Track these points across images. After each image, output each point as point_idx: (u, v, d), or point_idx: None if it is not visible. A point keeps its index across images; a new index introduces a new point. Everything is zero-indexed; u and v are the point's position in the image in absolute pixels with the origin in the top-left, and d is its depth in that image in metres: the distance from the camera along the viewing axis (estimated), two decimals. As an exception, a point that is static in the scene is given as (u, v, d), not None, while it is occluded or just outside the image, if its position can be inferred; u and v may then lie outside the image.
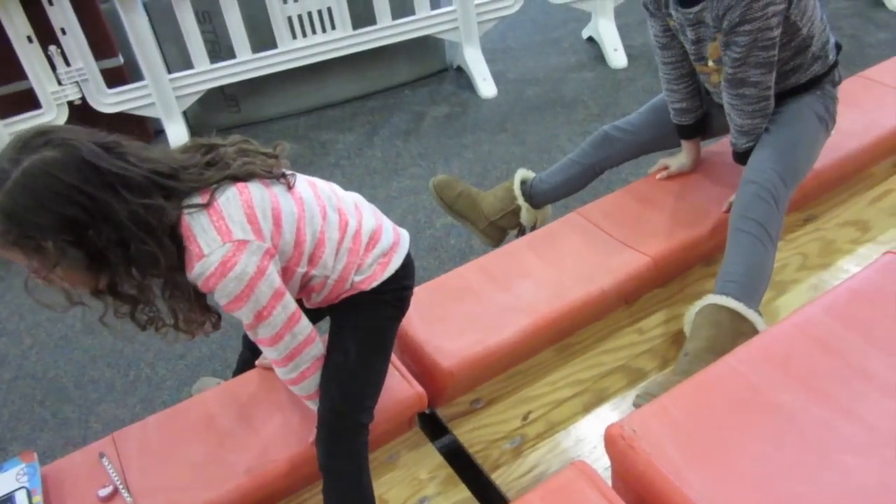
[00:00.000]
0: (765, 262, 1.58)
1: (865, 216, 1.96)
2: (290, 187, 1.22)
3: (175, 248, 1.09)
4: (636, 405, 1.46)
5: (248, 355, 1.61)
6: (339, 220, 1.27)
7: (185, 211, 1.09)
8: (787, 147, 1.68)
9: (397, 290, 1.36)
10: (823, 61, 1.72)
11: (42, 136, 1.02)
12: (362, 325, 1.33)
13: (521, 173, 2.11)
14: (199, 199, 1.10)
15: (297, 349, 1.24)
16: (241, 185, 1.15)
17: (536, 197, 2.07)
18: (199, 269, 1.09)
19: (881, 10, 3.72)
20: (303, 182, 1.27)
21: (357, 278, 1.29)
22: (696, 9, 1.61)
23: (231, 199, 1.12)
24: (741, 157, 1.75)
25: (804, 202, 2.00)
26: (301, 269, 1.23)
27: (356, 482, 1.29)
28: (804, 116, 1.72)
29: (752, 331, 1.50)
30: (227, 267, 1.09)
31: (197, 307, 1.16)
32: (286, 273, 1.21)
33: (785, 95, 1.73)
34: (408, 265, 1.37)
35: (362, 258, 1.29)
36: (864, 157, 2.05)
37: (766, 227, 1.58)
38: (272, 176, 1.20)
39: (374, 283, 1.31)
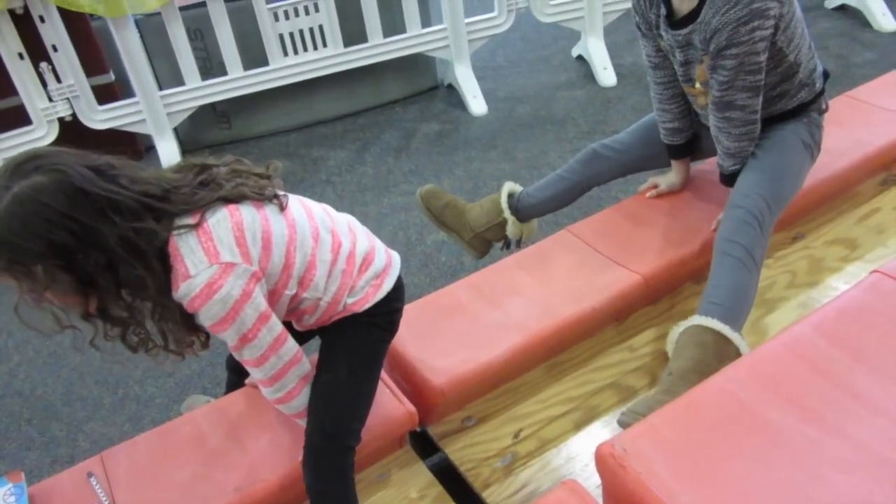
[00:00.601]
0: (749, 286, 1.60)
1: (853, 234, 1.98)
2: (282, 208, 1.22)
3: (163, 269, 1.10)
4: (621, 423, 1.46)
5: (235, 379, 1.61)
6: (333, 241, 1.27)
7: (175, 232, 1.09)
8: (773, 173, 1.70)
9: (388, 313, 1.36)
10: (810, 88, 1.74)
11: (33, 161, 1.02)
12: (353, 346, 1.33)
13: (509, 186, 2.11)
14: (190, 220, 1.10)
15: (282, 370, 1.24)
16: (232, 207, 1.15)
17: (523, 211, 2.08)
18: (185, 290, 1.09)
19: (867, 31, 3.78)
20: (296, 203, 1.27)
21: (350, 300, 1.29)
22: (684, 31, 1.63)
23: (221, 220, 1.12)
24: (728, 179, 1.77)
25: (792, 221, 2.01)
26: (289, 292, 1.23)
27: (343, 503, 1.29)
28: (790, 143, 1.74)
29: (735, 353, 1.51)
30: (213, 289, 1.09)
31: (184, 327, 1.16)
32: (273, 296, 1.21)
33: (772, 121, 1.75)
34: (399, 287, 1.38)
35: (355, 280, 1.30)
36: (852, 176, 2.08)
37: (751, 251, 1.59)
38: (264, 197, 1.20)
39: (367, 305, 1.31)
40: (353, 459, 1.31)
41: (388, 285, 1.34)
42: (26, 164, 1.02)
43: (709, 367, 1.46)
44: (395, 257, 1.41)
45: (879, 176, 2.17)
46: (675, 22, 1.65)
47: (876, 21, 3.78)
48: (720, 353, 1.49)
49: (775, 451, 1.14)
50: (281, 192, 1.23)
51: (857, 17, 3.85)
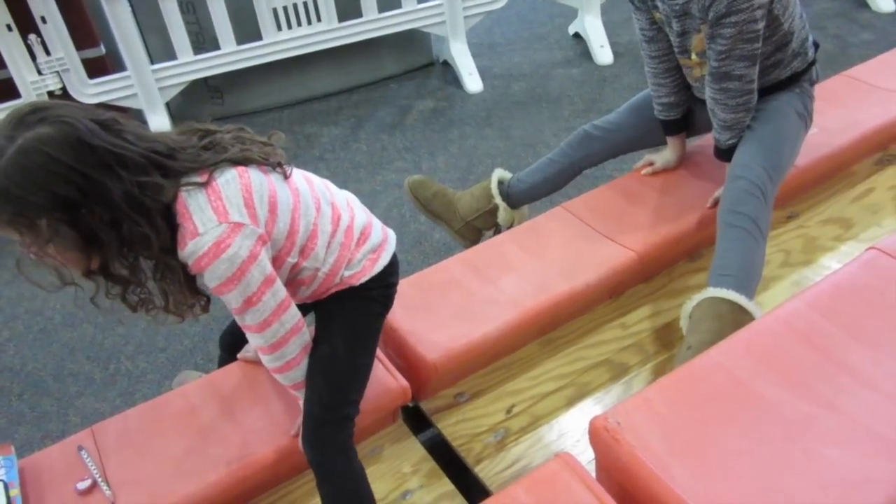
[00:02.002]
0: (756, 256, 1.59)
1: (847, 214, 1.98)
2: (286, 177, 1.22)
3: (168, 227, 1.09)
4: None
5: (227, 358, 1.59)
6: (333, 213, 1.27)
7: (183, 189, 1.08)
8: (771, 143, 1.69)
9: (384, 287, 1.36)
10: (803, 58, 1.74)
11: (38, 113, 1.00)
12: (350, 319, 1.33)
13: (499, 173, 2.10)
14: (198, 178, 1.10)
15: (284, 338, 1.23)
16: (241, 168, 1.14)
17: (514, 197, 2.06)
18: (192, 248, 1.08)
19: (865, 11, 3.76)
20: (298, 174, 1.27)
21: (347, 273, 1.29)
22: (682, 0, 1.61)
23: (231, 181, 1.12)
24: (725, 153, 1.76)
25: (787, 200, 2.01)
26: (292, 260, 1.22)
27: (348, 473, 1.28)
28: (786, 113, 1.74)
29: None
30: (221, 248, 1.08)
31: (187, 289, 1.15)
32: (276, 262, 1.20)
33: (766, 92, 1.74)
34: (394, 263, 1.38)
35: (353, 253, 1.30)
36: (847, 156, 2.07)
37: (756, 221, 1.59)
38: (269, 164, 1.19)
39: (364, 279, 1.30)
40: (353, 430, 1.30)
41: (384, 260, 1.34)
42: (31, 115, 1.00)
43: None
44: (391, 234, 1.41)
45: (875, 156, 2.17)
46: None
47: (874, 2, 3.76)
48: (737, 322, 1.47)
49: (768, 425, 1.14)
50: (284, 161, 1.23)
51: (855, -2, 3.84)
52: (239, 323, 1.22)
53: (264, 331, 1.20)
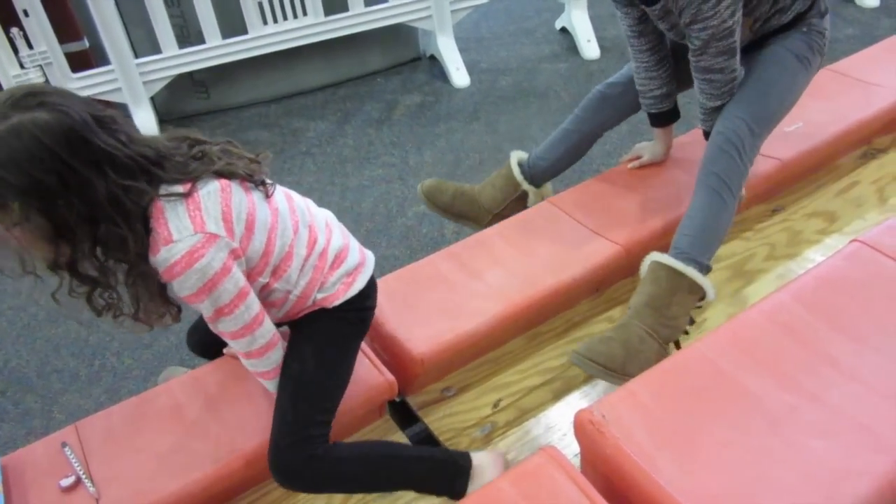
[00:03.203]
0: (721, 218, 1.61)
1: (832, 207, 1.99)
2: (267, 196, 1.21)
3: (145, 232, 1.07)
4: (572, 362, 1.51)
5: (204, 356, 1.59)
6: (309, 237, 1.27)
7: (163, 197, 1.07)
8: (758, 93, 1.68)
9: (359, 310, 1.36)
10: None
11: (37, 96, 0.98)
12: (322, 339, 1.32)
13: (517, 155, 2.04)
14: (180, 189, 1.08)
15: (259, 350, 1.24)
16: (224, 181, 1.13)
17: (537, 176, 2.01)
18: (165, 254, 1.07)
19: (849, 6, 3.78)
20: (280, 194, 1.26)
21: (320, 296, 1.29)
22: (659, 5, 1.61)
23: (212, 192, 1.11)
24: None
25: (772, 193, 2.02)
26: (263, 280, 1.22)
27: (331, 475, 1.28)
28: (779, 58, 1.70)
29: (690, 286, 1.54)
30: (194, 258, 1.07)
31: (158, 297, 1.13)
32: (247, 281, 1.19)
33: (767, 37, 1.72)
34: (371, 286, 1.37)
35: (326, 276, 1.29)
36: (831, 150, 2.08)
37: (727, 180, 1.60)
38: (253, 181, 1.18)
39: (337, 302, 1.30)
40: (325, 440, 1.28)
41: (360, 283, 1.33)
42: (30, 97, 0.98)
43: (661, 300, 1.52)
44: (370, 256, 1.40)
45: (859, 150, 2.18)
46: None
47: (859, -4, 3.79)
48: (673, 287, 1.53)
49: (753, 417, 1.15)
50: (269, 181, 1.22)
51: (840, -7, 3.86)
52: (213, 330, 1.21)
53: (237, 340, 1.20)
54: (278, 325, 1.34)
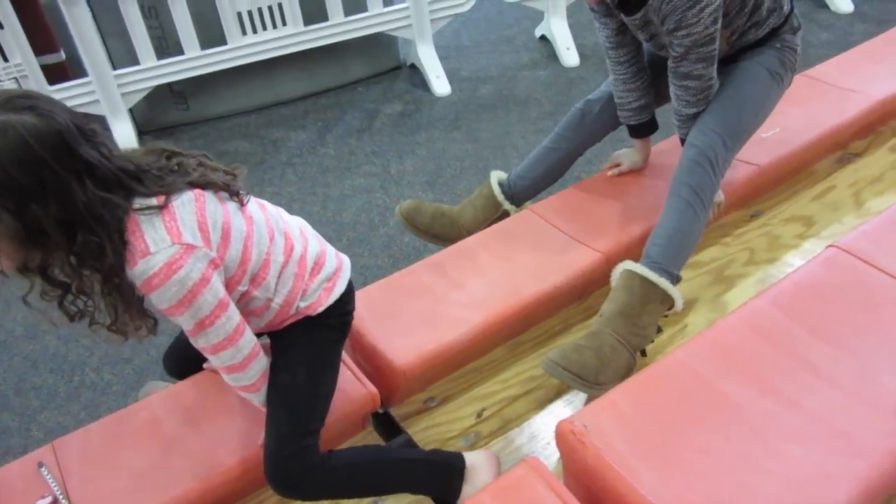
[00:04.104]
0: (693, 229, 1.63)
1: (809, 212, 2.01)
2: (242, 205, 1.21)
3: (121, 244, 1.06)
4: (544, 370, 1.51)
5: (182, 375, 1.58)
6: (285, 244, 1.26)
7: (138, 211, 1.06)
8: (734, 108, 1.70)
9: (341, 315, 1.35)
10: (779, 13, 1.71)
11: (28, 100, 0.98)
12: (309, 347, 1.31)
13: (497, 175, 2.04)
14: (155, 202, 1.08)
15: (241, 363, 1.22)
16: (198, 191, 1.13)
17: (518, 196, 2.01)
18: (143, 267, 1.05)
19: (824, 12, 3.83)
20: (253, 203, 1.26)
21: (303, 304, 1.28)
22: (639, 15, 1.63)
23: (186, 203, 1.10)
24: None
25: (751, 198, 2.04)
26: (242, 288, 1.21)
27: (331, 483, 1.28)
28: (753, 73, 1.73)
29: (663, 296, 1.56)
30: (173, 269, 1.06)
31: (135, 309, 1.12)
32: (226, 289, 1.18)
33: (741, 52, 1.74)
34: (350, 290, 1.37)
35: (307, 283, 1.29)
36: (808, 155, 2.10)
37: (699, 192, 1.62)
38: (228, 191, 1.18)
39: (320, 308, 1.30)
40: (317, 448, 1.28)
41: (340, 288, 1.33)
42: (20, 99, 0.97)
43: (633, 309, 1.54)
44: (346, 260, 1.40)
45: (835, 154, 2.20)
46: (627, 8, 1.64)
47: (833, 3, 3.83)
48: (645, 297, 1.55)
49: (733, 424, 1.16)
50: (243, 191, 1.22)
51: (815, 0, 3.90)
52: (194, 345, 1.20)
53: (219, 353, 1.19)
54: (258, 335, 1.33)
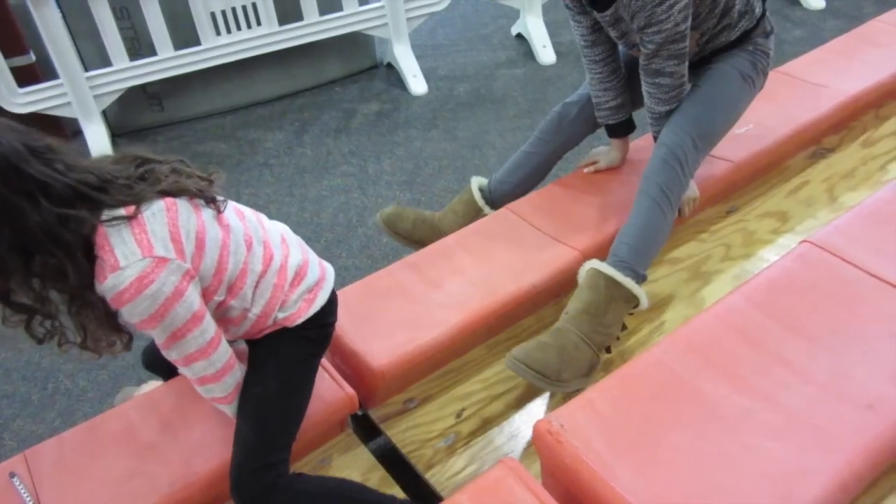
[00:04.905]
0: (660, 228, 1.65)
1: (784, 207, 2.02)
2: (219, 212, 1.18)
3: (87, 261, 1.04)
4: (507, 367, 1.52)
5: (160, 375, 1.56)
6: (264, 253, 1.24)
7: (106, 223, 1.03)
8: (705, 110, 1.71)
9: (321, 327, 1.34)
10: (751, 15, 1.73)
11: None
12: (285, 360, 1.29)
13: (477, 181, 2.04)
14: (124, 212, 1.05)
15: (214, 376, 1.21)
16: (169, 200, 1.10)
17: (499, 201, 2.01)
18: (113, 282, 1.03)
19: (797, 9, 3.86)
20: (231, 210, 1.23)
21: (281, 315, 1.26)
22: (609, 11, 1.63)
23: (157, 213, 1.07)
24: None
25: (726, 194, 2.05)
26: (218, 298, 1.19)
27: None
28: (726, 76, 1.74)
29: (628, 295, 1.58)
30: (144, 283, 1.04)
31: (107, 326, 1.10)
32: (203, 299, 1.16)
33: (714, 54, 1.75)
34: (332, 301, 1.35)
35: (287, 294, 1.27)
36: (782, 150, 2.12)
37: (667, 192, 1.64)
38: (203, 197, 1.15)
39: (299, 320, 1.28)
40: (285, 469, 1.26)
41: (321, 299, 1.31)
42: None
43: (598, 308, 1.55)
44: (329, 270, 1.38)
45: (809, 150, 2.22)
46: (599, 4, 1.65)
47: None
48: (610, 296, 1.56)
49: (709, 421, 1.16)
50: (220, 198, 1.19)
51: (787, -4, 3.95)
52: (166, 357, 1.18)
53: (191, 364, 1.17)
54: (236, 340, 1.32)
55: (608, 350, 1.61)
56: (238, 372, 1.26)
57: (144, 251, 1.04)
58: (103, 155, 1.14)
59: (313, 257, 1.35)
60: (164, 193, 1.10)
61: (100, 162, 1.10)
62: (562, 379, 1.47)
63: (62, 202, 0.99)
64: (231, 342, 1.27)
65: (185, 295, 1.09)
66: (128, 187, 1.07)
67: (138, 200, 1.07)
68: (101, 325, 1.08)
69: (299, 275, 1.29)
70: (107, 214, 1.04)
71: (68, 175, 1.01)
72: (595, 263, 1.61)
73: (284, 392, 1.28)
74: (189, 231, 1.11)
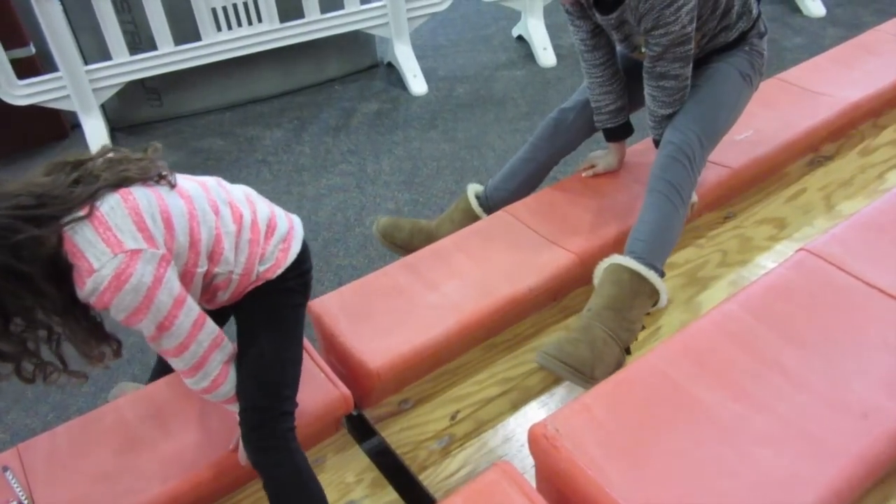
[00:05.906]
0: (674, 223, 1.65)
1: (781, 214, 2.03)
2: (172, 186, 1.17)
3: (57, 287, 1.03)
4: (539, 363, 1.52)
5: (161, 368, 1.55)
6: (233, 213, 1.24)
7: (67, 228, 1.02)
8: (708, 108, 1.72)
9: (300, 275, 1.34)
10: (748, 16, 1.74)
11: None
12: (271, 314, 1.30)
13: (473, 188, 2.04)
14: (80, 213, 1.04)
15: (203, 357, 1.20)
16: (124, 191, 1.09)
17: (495, 207, 2.00)
18: (92, 286, 1.03)
19: (797, 16, 3.87)
20: (187, 181, 1.22)
21: (262, 268, 1.27)
22: (615, 14, 1.63)
23: (115, 207, 1.06)
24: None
25: (724, 200, 2.05)
26: (200, 269, 1.19)
27: (293, 471, 1.26)
28: (727, 74, 1.75)
29: (650, 290, 1.58)
30: (122, 279, 1.03)
31: (92, 336, 1.09)
32: (185, 276, 1.17)
33: (712, 54, 1.76)
34: (305, 249, 1.36)
35: (263, 247, 1.27)
36: (780, 158, 2.13)
37: (678, 188, 1.64)
38: (149, 178, 1.14)
39: (279, 271, 1.28)
40: (293, 424, 1.28)
41: (295, 248, 1.32)
42: None
43: (623, 303, 1.55)
44: (297, 220, 1.38)
45: (807, 157, 2.23)
46: (603, 7, 1.65)
47: (806, 7, 3.88)
48: (634, 290, 1.56)
49: (704, 427, 1.16)
50: (166, 171, 1.18)
51: (787, 3, 3.95)
52: (155, 349, 1.18)
53: (182, 353, 1.17)
54: (222, 313, 1.33)
55: (628, 351, 1.60)
56: (228, 346, 1.25)
57: (114, 248, 1.03)
58: (31, 171, 1.11)
59: (279, 210, 1.36)
60: (112, 186, 1.08)
61: (29, 178, 1.08)
62: (595, 376, 1.45)
63: (7, 232, 0.97)
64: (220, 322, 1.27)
65: (165, 280, 1.09)
66: (65, 197, 1.04)
67: (85, 201, 1.05)
68: (86, 337, 1.08)
69: (270, 227, 1.29)
70: (63, 220, 1.02)
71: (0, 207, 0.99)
72: (618, 258, 1.60)
73: (276, 345, 1.28)
74: (153, 214, 1.10)
